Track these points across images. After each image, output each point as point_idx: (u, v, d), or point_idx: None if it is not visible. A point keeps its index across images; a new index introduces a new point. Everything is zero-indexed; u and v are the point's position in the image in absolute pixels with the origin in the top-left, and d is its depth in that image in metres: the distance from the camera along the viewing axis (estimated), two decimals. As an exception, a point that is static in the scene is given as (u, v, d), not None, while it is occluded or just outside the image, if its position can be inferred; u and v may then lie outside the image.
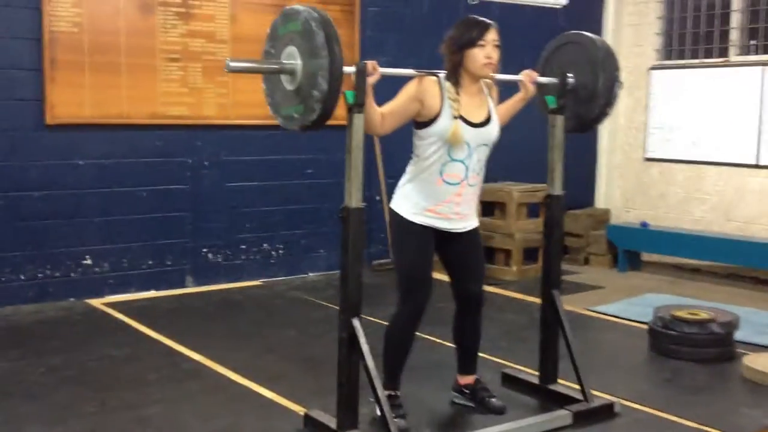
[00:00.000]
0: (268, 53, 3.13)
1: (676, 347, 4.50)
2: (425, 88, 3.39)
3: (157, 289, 5.93)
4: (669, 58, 7.86)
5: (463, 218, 3.52)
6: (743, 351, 4.55)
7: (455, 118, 3.36)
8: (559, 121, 3.87)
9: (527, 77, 3.67)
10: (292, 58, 2.99)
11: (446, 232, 3.51)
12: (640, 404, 3.82)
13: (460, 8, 7.22)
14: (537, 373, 3.92)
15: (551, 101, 3.84)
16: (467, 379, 3.79)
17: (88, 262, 5.68)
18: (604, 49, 3.71)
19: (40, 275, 5.52)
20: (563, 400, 3.71)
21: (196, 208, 6.09)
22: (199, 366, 4.28)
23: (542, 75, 3.81)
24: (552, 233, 3.90)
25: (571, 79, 3.74)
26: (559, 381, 3.88)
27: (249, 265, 6.35)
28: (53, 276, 5.57)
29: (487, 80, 3.57)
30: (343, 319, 3.27)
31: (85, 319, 5.18)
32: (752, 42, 7.23)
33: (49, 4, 5.37)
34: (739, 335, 4.65)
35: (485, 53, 3.38)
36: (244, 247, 6.33)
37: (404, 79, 3.52)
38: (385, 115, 3.33)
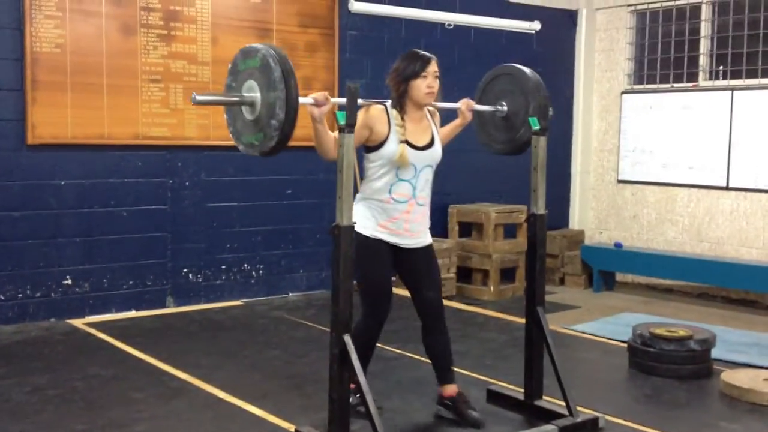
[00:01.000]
0: (230, 86, 3.33)
1: (656, 364, 4.60)
2: (373, 116, 3.67)
3: (138, 309, 5.92)
4: (640, 82, 8.06)
5: (414, 235, 3.76)
6: (720, 368, 4.65)
7: (401, 142, 3.63)
8: (542, 141, 3.98)
9: (465, 105, 4.00)
10: (252, 91, 3.20)
11: (399, 247, 3.74)
12: (623, 419, 3.90)
13: (437, 32, 7.36)
14: (522, 389, 3.99)
15: (534, 122, 3.95)
16: (449, 391, 3.88)
17: (69, 282, 5.66)
18: (534, 80, 4.00)
19: (20, 295, 5.49)
20: (549, 416, 3.77)
21: (176, 229, 6.10)
22: (185, 384, 4.29)
23: (479, 103, 4.14)
24: (535, 252, 3.97)
25: (503, 107, 4.07)
26: (544, 397, 3.94)
27: (229, 285, 6.37)
28: (34, 296, 5.54)
29: (430, 107, 3.87)
30: (335, 336, 3.31)
31: (68, 339, 5.15)
32: (721, 67, 7.44)
33: (31, 25, 5.38)
34: (714, 353, 4.76)
35: (427, 83, 3.69)
36: (224, 267, 6.34)
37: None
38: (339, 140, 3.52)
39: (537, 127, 3.94)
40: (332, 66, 6.71)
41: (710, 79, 7.51)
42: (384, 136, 3.63)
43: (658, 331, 4.70)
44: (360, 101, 3.58)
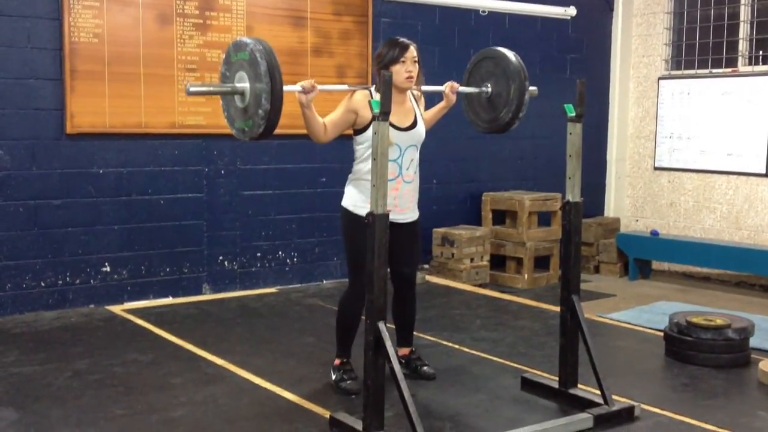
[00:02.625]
0: (224, 75, 3.50)
1: (693, 353, 4.56)
2: (358, 100, 3.87)
3: (175, 296, 6.00)
4: (678, 68, 7.95)
5: (403, 211, 3.96)
6: (758, 357, 4.60)
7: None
8: (577, 128, 3.95)
9: (449, 88, 4.16)
10: (242, 81, 3.38)
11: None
12: (660, 408, 3.88)
13: (471, 19, 7.33)
14: (556, 377, 3.97)
15: (570, 109, 3.92)
16: (403, 351, 4.24)
17: (107, 269, 5.75)
18: (515, 63, 4.14)
19: (60, 282, 5.59)
20: (584, 404, 3.76)
21: (212, 217, 6.16)
22: (222, 370, 4.34)
23: (467, 84, 4.30)
24: (570, 239, 3.94)
25: (487, 88, 4.22)
26: (579, 385, 3.93)
27: (264, 272, 6.42)
28: (73, 283, 5.63)
29: (416, 92, 4.08)
30: (369, 323, 3.33)
31: (106, 325, 5.24)
32: (760, 53, 7.31)
33: (70, 16, 5.45)
34: (752, 342, 4.70)
35: (406, 68, 3.88)
36: (259, 254, 6.39)
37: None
38: (327, 125, 3.84)
39: (572, 114, 3.92)
40: (366, 54, 6.71)
41: (749, 64, 7.38)
42: (368, 119, 3.74)
43: (695, 319, 4.65)
44: (345, 86, 3.84)
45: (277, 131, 6.31)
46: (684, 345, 4.60)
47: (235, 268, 6.29)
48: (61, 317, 5.40)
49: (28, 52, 5.39)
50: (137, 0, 5.70)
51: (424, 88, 4.15)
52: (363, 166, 3.91)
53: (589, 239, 7.77)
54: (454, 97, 4.18)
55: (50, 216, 5.53)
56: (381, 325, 3.31)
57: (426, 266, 7.04)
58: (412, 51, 3.90)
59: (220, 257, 6.22)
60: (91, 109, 5.59)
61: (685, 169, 7.82)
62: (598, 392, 3.77)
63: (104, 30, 5.59)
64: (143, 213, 5.88)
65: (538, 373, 4.25)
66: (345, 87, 3.82)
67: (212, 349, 4.70)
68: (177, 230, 6.02)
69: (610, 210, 8.42)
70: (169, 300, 5.93)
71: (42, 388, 4.02)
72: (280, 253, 6.49)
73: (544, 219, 7.45)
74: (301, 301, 6.05)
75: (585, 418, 3.63)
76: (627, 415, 3.73)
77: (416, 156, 4.02)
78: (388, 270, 3.94)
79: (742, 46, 7.40)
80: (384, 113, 3.30)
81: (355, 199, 3.96)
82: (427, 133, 4.11)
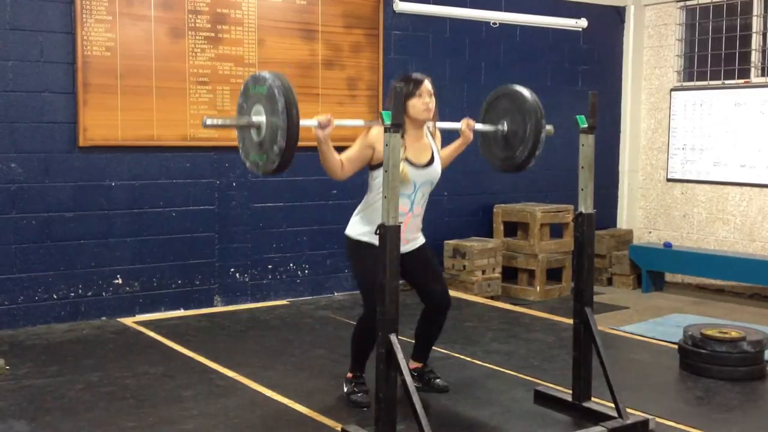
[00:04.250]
0: (241, 107, 3.49)
1: (707, 366, 4.51)
2: (374, 135, 3.83)
3: (186, 308, 6.00)
4: (690, 79, 7.92)
5: (409, 242, 3.92)
6: (773, 370, 4.56)
7: (402, 160, 3.71)
8: (590, 140, 3.94)
9: (466, 125, 4.10)
10: (259, 114, 3.37)
11: None
12: (674, 421, 3.84)
13: (482, 31, 7.33)
14: (569, 390, 3.94)
15: (582, 121, 3.91)
16: (416, 364, 4.23)
17: (119, 281, 5.76)
18: (531, 101, 4.08)
19: (72, 294, 5.60)
20: (597, 417, 3.73)
21: (224, 229, 6.17)
22: (234, 382, 4.33)
23: (483, 121, 4.22)
24: (583, 251, 3.92)
25: (503, 126, 4.15)
26: (593, 398, 3.90)
27: (276, 284, 6.42)
28: (85, 295, 5.65)
29: (431, 128, 4.06)
30: (381, 335, 3.32)
31: (118, 337, 5.24)
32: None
33: (82, 29, 5.49)
34: (767, 355, 4.65)
35: (422, 101, 3.87)
36: (270, 267, 6.39)
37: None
38: (344, 162, 3.82)
39: (584, 125, 3.90)
40: (377, 66, 6.72)
41: (762, 75, 7.35)
42: None
43: (710, 332, 4.61)
44: (361, 122, 3.81)
45: (289, 143, 6.38)
46: (698, 358, 4.56)
47: (247, 280, 6.29)
48: (73, 329, 5.41)
49: (41, 65, 5.42)
50: (149, 14, 5.73)
51: (440, 124, 4.14)
52: (375, 198, 3.86)
53: (601, 251, 7.73)
54: (471, 135, 4.12)
55: (63, 228, 5.55)
56: (393, 337, 3.29)
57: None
58: (428, 84, 3.89)
59: (232, 269, 6.22)
60: (103, 122, 5.62)
61: (698, 181, 7.78)
62: (612, 405, 3.73)
63: (117, 43, 5.62)
64: (155, 225, 5.89)
65: (552, 386, 4.22)
66: (361, 122, 3.78)
67: (224, 361, 4.70)
68: (189, 242, 6.03)
69: (623, 222, 8.38)
70: (180, 312, 5.94)
71: (54, 400, 4.02)
72: (291, 265, 6.49)
73: (557, 231, 7.42)
74: (312, 313, 6.04)
75: (599, 431, 3.60)
76: (641, 428, 3.69)
77: (428, 192, 4.01)
78: (419, 295, 4.07)
79: (755, 56, 7.38)
80: (395, 125, 3.29)
81: (361, 230, 3.92)
82: (442, 168, 4.08)
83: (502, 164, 4.26)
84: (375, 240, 3.68)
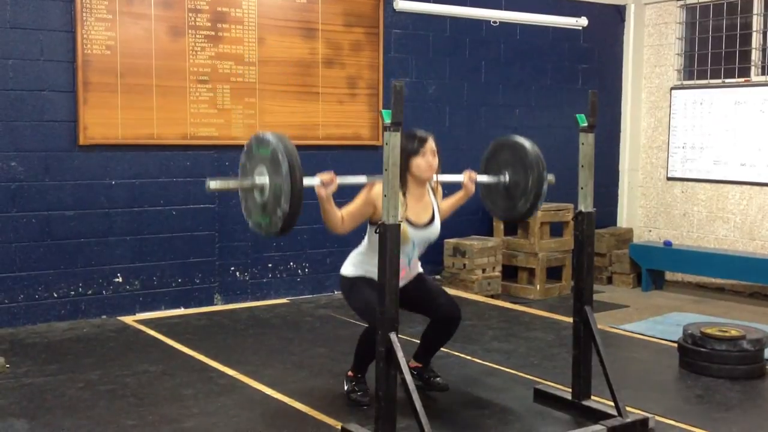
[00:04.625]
0: (244, 166, 3.51)
1: (707, 364, 4.52)
2: (377, 194, 3.77)
3: (186, 306, 6.01)
4: (690, 78, 7.92)
5: (405, 280, 3.89)
6: (773, 368, 4.56)
7: (402, 220, 3.71)
8: (589, 138, 3.93)
9: (468, 178, 4.11)
10: (262, 176, 3.38)
11: None
12: (673, 420, 3.84)
13: (482, 30, 7.33)
14: (569, 389, 3.95)
15: (582, 120, 3.91)
16: (417, 364, 4.22)
17: (120, 280, 5.77)
18: (533, 153, 4.06)
19: (72, 293, 5.60)
20: (597, 416, 3.73)
21: (224, 228, 6.17)
22: (233, 381, 4.34)
23: (484, 170, 4.23)
24: (583, 250, 3.92)
25: (505, 177, 4.14)
26: (592, 397, 3.90)
27: (276, 283, 6.42)
28: (85, 294, 5.65)
29: (433, 183, 4.06)
30: (381, 334, 3.32)
31: (118, 336, 5.25)
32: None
33: (83, 28, 5.49)
34: (767, 353, 4.65)
35: (426, 160, 3.87)
36: (270, 265, 6.39)
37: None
38: (345, 217, 3.80)
39: (584, 124, 3.90)
40: (377, 65, 6.72)
41: (762, 74, 7.35)
42: None
43: (710, 330, 4.62)
44: (364, 178, 3.81)
45: (289, 142, 6.39)
46: (698, 356, 4.56)
47: (247, 278, 6.29)
48: (74, 328, 5.41)
49: (42, 64, 5.43)
50: (149, 12, 5.73)
51: (443, 178, 4.12)
52: (366, 247, 3.94)
53: (601, 250, 7.74)
54: (473, 187, 4.12)
55: (63, 227, 5.56)
56: (393, 336, 3.29)
57: (438, 277, 7.03)
58: (431, 143, 3.90)
59: (232, 268, 6.23)
60: (103, 121, 5.62)
61: (698, 180, 7.78)
62: (612, 404, 3.73)
63: (117, 42, 5.62)
64: (155, 224, 5.89)
65: (551, 384, 4.22)
66: (364, 179, 3.78)
67: (224, 359, 4.70)
68: (189, 241, 6.03)
69: (623, 220, 8.38)
70: (180, 311, 5.94)
71: (54, 398, 4.02)
72: (291, 263, 6.49)
73: (557, 229, 7.43)
74: (312, 312, 6.05)
75: (599, 429, 3.59)
76: (641, 427, 3.69)
77: (425, 248, 4.03)
78: (429, 314, 4.07)
79: (755, 55, 7.37)
80: (395, 124, 3.29)
81: (355, 270, 3.99)
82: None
83: (504, 214, 4.29)
84: (371, 275, 3.80)
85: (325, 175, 3.56)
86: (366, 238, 4.02)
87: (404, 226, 3.75)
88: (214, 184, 3.41)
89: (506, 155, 4.16)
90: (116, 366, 4.56)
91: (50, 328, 5.40)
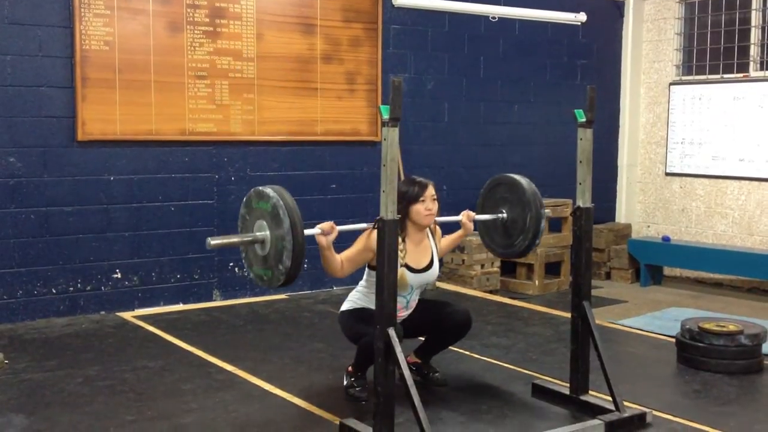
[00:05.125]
0: (244, 218, 3.53)
1: (705, 359, 4.53)
2: (374, 240, 3.73)
3: (185, 302, 6.01)
4: (689, 73, 7.92)
5: (405, 313, 4.02)
6: (771, 363, 4.57)
7: (401, 266, 3.81)
8: (588, 134, 3.93)
9: (466, 217, 4.16)
10: (263, 230, 3.37)
11: None
12: (671, 415, 3.85)
13: (481, 25, 7.33)
14: (567, 384, 3.95)
15: (580, 115, 3.91)
16: (416, 359, 4.24)
17: (118, 275, 5.77)
18: (531, 190, 4.10)
19: (71, 289, 5.61)
20: (595, 411, 3.74)
21: (222, 223, 6.17)
22: (232, 376, 4.34)
23: (481, 208, 4.27)
24: (581, 245, 3.93)
25: (503, 214, 4.17)
26: (590, 392, 3.91)
27: (275, 279, 6.41)
28: (84, 289, 5.65)
29: (432, 226, 4.09)
30: (379, 329, 3.32)
31: (117, 332, 5.25)
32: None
33: (81, 24, 5.48)
34: (765, 348, 4.66)
35: (425, 206, 3.92)
36: (269, 261, 6.39)
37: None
38: (344, 262, 3.83)
39: (583, 119, 3.90)
40: (375, 60, 6.71)
41: (761, 69, 7.36)
42: None
43: (708, 325, 4.63)
44: (363, 225, 3.81)
45: (287, 138, 6.41)
46: (696, 351, 4.57)
47: (246, 274, 6.29)
48: (72, 324, 5.42)
49: (40, 60, 5.42)
50: (148, 8, 5.72)
51: (441, 219, 4.16)
52: (365, 287, 3.99)
53: (600, 245, 7.74)
54: (471, 226, 4.17)
55: (61, 223, 5.56)
56: (391, 331, 3.30)
57: (436, 272, 7.02)
58: (431, 189, 3.94)
59: (231, 264, 6.23)
60: (102, 117, 5.62)
61: (696, 175, 7.79)
62: (610, 399, 3.75)
63: (115, 38, 5.61)
64: (154, 220, 5.89)
65: (549, 379, 4.23)
66: (363, 225, 3.80)
67: (222, 355, 4.71)
68: (187, 237, 6.03)
69: (622, 216, 8.38)
70: (179, 306, 5.95)
71: (53, 394, 4.03)
72: (290, 259, 6.48)
73: (555, 225, 7.43)
74: (311, 307, 6.05)
75: (596, 424, 3.61)
76: (639, 421, 3.70)
77: (422, 290, 4.09)
78: (441, 327, 4.10)
79: (754, 51, 7.38)
80: (393, 119, 3.29)
81: (350, 305, 4.05)
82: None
83: (503, 251, 4.31)
84: (368, 305, 3.88)
85: (326, 225, 3.59)
86: (365, 279, 4.07)
87: (403, 271, 3.84)
88: (216, 242, 3.40)
89: (503, 193, 4.20)
90: (115, 361, 4.57)
91: (49, 323, 5.41)
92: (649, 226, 8.24)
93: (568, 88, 7.83)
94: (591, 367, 3.88)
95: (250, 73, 6.16)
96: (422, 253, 4.03)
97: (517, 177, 4.18)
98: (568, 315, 4.01)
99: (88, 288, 5.67)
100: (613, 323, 5.79)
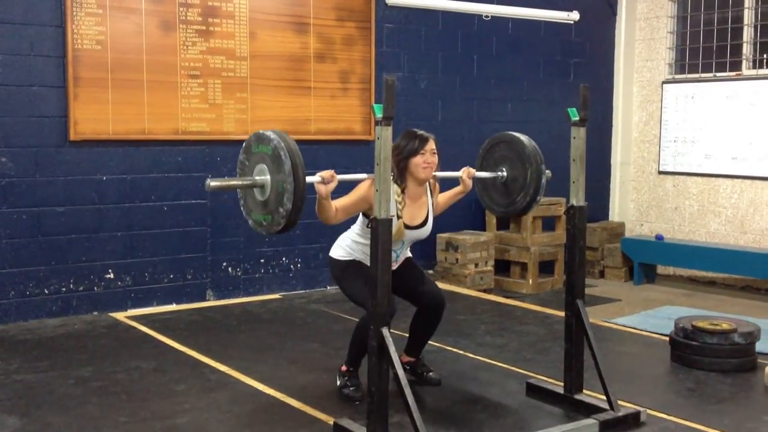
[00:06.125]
0: (243, 164, 3.45)
1: (698, 357, 4.53)
2: (374, 192, 3.71)
3: (179, 302, 5.99)
4: (682, 72, 7.93)
5: (394, 266, 3.88)
6: (764, 361, 4.57)
7: (399, 218, 3.83)
8: (581, 132, 3.94)
9: (466, 173, 4.14)
10: (263, 174, 3.32)
11: None
12: (665, 413, 3.85)
13: (474, 24, 7.32)
14: (561, 383, 3.95)
15: (573, 114, 3.91)
16: (409, 358, 4.24)
17: (111, 276, 5.75)
18: (530, 147, 4.07)
19: (63, 289, 5.58)
20: (589, 410, 3.74)
21: (216, 223, 6.16)
22: (225, 377, 4.33)
23: (480, 168, 4.25)
24: (575, 243, 3.93)
25: (503, 173, 4.15)
26: (584, 391, 3.91)
27: (268, 278, 6.41)
28: (77, 290, 5.63)
29: (431, 180, 4.06)
30: (373, 329, 3.31)
31: (110, 332, 5.23)
32: (765, 56, 7.29)
33: (73, 23, 5.46)
34: (758, 346, 4.67)
35: (425, 159, 3.88)
36: (263, 261, 6.38)
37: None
38: (339, 209, 3.77)
39: (576, 118, 3.90)
40: (369, 59, 6.70)
41: (754, 67, 7.37)
42: None
43: (701, 324, 4.63)
44: (364, 175, 3.79)
45: (281, 137, 6.35)
46: (690, 350, 4.58)
47: (239, 274, 6.28)
48: (65, 324, 5.39)
49: (32, 59, 5.40)
50: (140, 7, 5.70)
51: (441, 174, 4.12)
52: (363, 239, 3.90)
53: (593, 244, 7.75)
54: (470, 183, 4.15)
55: (54, 223, 5.53)
56: (385, 331, 3.29)
57: (430, 271, 7.03)
58: (432, 143, 3.90)
59: (224, 263, 6.21)
60: (94, 116, 5.59)
61: (689, 173, 7.80)
62: (604, 398, 3.75)
63: (107, 37, 5.59)
64: (147, 220, 5.87)
65: (544, 378, 4.23)
66: (364, 176, 3.77)
67: (216, 355, 4.69)
68: (180, 237, 6.02)
69: (615, 214, 8.39)
70: (172, 307, 5.93)
71: (45, 395, 4.01)
72: (283, 259, 6.48)
73: (549, 224, 7.43)
74: (304, 307, 6.04)
75: (591, 423, 3.61)
76: (633, 420, 3.70)
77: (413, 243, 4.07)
78: (412, 301, 4.08)
79: (746, 49, 7.39)
80: (387, 118, 3.28)
81: (342, 253, 4.01)
82: (439, 214, 4.18)
83: (504, 210, 4.28)
84: (362, 259, 3.84)
85: (326, 173, 3.55)
86: (359, 225, 4.00)
87: (400, 224, 3.82)
88: (215, 183, 3.35)
89: (503, 151, 4.17)
90: (108, 362, 4.55)
91: (41, 324, 5.38)
92: (642, 225, 8.25)
93: (561, 86, 7.83)
94: (585, 366, 3.88)
95: (243, 72, 6.14)
96: (418, 210, 3.98)
97: (516, 134, 4.14)
98: (562, 314, 4.01)
99: (81, 288, 5.65)
100: (606, 322, 5.80)
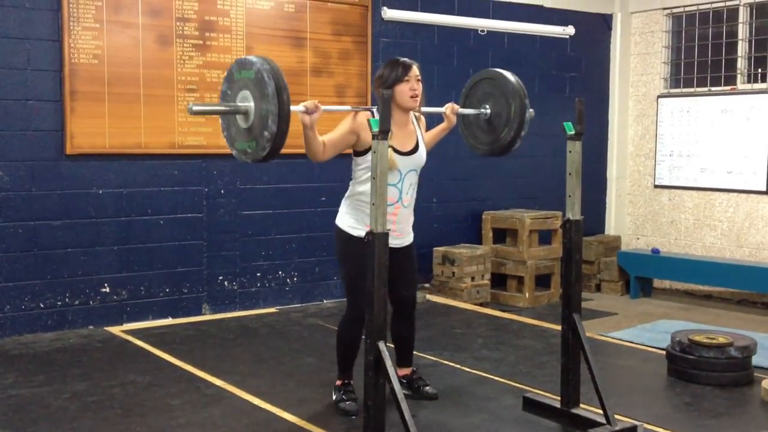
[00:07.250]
0: (225, 93, 3.40)
1: (695, 371, 4.52)
2: (360, 123, 3.79)
3: (174, 316, 5.98)
4: (677, 86, 7.97)
5: (400, 236, 3.96)
6: (761, 375, 4.57)
7: (388, 147, 3.65)
8: (577, 146, 3.94)
9: (450, 109, 4.15)
10: (246, 100, 3.28)
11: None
12: (663, 427, 3.85)
13: (470, 39, 7.35)
14: (558, 397, 3.94)
15: (569, 128, 3.92)
16: (404, 371, 4.21)
17: (107, 290, 5.73)
18: (514, 82, 4.09)
19: (59, 303, 5.57)
20: (586, 424, 3.72)
21: (212, 237, 6.15)
22: (221, 391, 4.31)
23: (464, 107, 4.26)
24: (571, 257, 3.93)
25: (486, 109, 4.17)
26: (581, 405, 3.90)
27: (264, 292, 6.40)
28: (72, 304, 5.61)
29: (416, 113, 4.04)
30: (369, 343, 3.31)
31: (105, 346, 5.21)
32: (759, 70, 7.33)
33: (69, 37, 5.47)
34: (754, 360, 4.67)
35: (410, 87, 3.85)
36: (259, 274, 6.37)
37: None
38: (327, 145, 3.76)
39: (572, 132, 3.91)
40: (365, 73, 6.72)
41: (748, 82, 7.40)
42: (369, 141, 3.60)
43: (698, 338, 4.63)
44: (348, 107, 3.69)
45: (277, 151, 6.36)
46: (686, 364, 4.57)
47: (235, 288, 6.27)
48: (60, 338, 5.38)
49: (28, 73, 5.40)
50: (137, 21, 5.72)
51: (425, 109, 4.12)
52: (360, 187, 3.89)
53: (590, 257, 7.75)
54: (454, 118, 4.17)
55: (49, 237, 5.52)
56: (381, 344, 3.28)
57: (427, 285, 7.02)
58: (415, 70, 3.88)
59: (220, 277, 6.20)
60: (90, 130, 5.59)
61: (685, 187, 7.82)
62: (601, 412, 3.73)
63: (104, 51, 5.60)
64: (143, 233, 5.86)
65: (540, 392, 4.22)
66: (348, 108, 3.77)
67: (211, 369, 4.67)
68: (176, 250, 6.01)
69: (611, 228, 8.41)
70: (168, 321, 5.91)
71: (40, 410, 3.99)
72: (280, 272, 6.47)
73: (545, 237, 7.44)
74: (301, 321, 6.03)
75: (587, 438, 3.60)
76: (630, 434, 3.70)
77: (416, 180, 4.00)
78: (388, 295, 3.97)
79: (741, 64, 7.43)
80: (383, 132, 3.29)
81: (351, 221, 3.93)
82: (427, 152, 4.10)
83: (489, 148, 4.25)
84: (363, 214, 3.78)
85: (309, 103, 3.52)
86: (353, 178, 3.96)
87: (390, 152, 3.70)
88: (197, 108, 3.29)
89: (486, 88, 4.17)
90: (103, 377, 4.53)
91: (36, 338, 5.36)
92: (638, 239, 8.27)
93: (557, 101, 7.85)
94: (582, 380, 3.87)
95: (239, 86, 6.14)
96: (407, 137, 3.93)
97: (499, 70, 4.15)
98: (559, 327, 4.01)
99: (76, 302, 5.63)
100: (603, 336, 5.79)
